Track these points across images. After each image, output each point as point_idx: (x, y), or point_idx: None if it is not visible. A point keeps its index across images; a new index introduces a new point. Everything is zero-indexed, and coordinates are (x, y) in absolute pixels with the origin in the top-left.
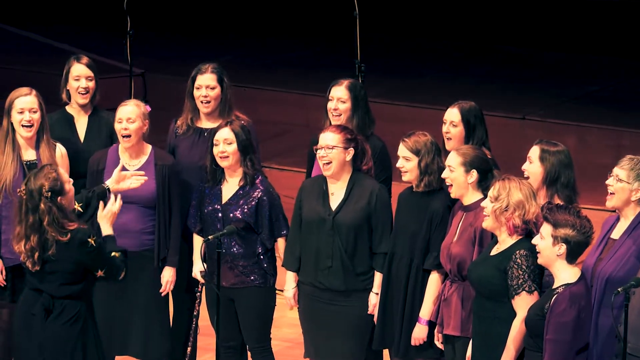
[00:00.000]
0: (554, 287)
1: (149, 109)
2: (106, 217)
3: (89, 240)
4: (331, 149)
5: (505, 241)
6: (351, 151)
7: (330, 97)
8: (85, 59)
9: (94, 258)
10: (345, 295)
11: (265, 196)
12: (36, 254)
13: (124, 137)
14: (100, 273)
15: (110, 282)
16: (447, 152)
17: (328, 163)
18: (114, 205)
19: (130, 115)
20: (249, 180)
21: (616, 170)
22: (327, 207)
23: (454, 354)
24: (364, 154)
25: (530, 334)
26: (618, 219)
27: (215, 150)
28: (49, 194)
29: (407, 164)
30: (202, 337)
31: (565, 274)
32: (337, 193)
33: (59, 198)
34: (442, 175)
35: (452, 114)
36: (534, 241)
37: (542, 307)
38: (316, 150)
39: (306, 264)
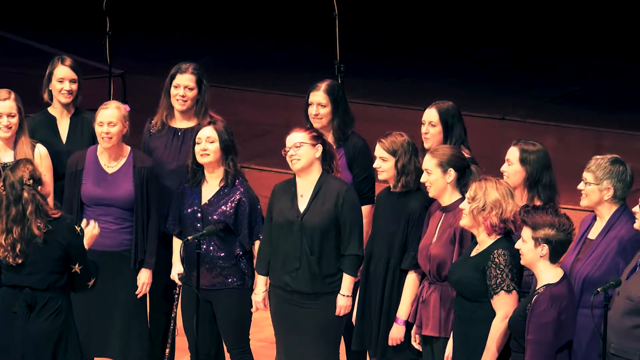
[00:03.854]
0: (537, 287)
1: (128, 109)
2: (86, 237)
3: (76, 227)
4: (299, 146)
5: (484, 241)
6: (319, 147)
7: (309, 102)
8: (69, 61)
9: (78, 247)
10: (314, 297)
11: (245, 198)
12: (18, 247)
13: (104, 139)
14: (76, 268)
15: (78, 289)
16: (426, 152)
17: (297, 160)
18: (94, 228)
19: (111, 119)
20: (230, 180)
21: (584, 175)
22: (296, 209)
23: (432, 355)
24: (332, 157)
25: (514, 336)
26: (595, 219)
27: (197, 148)
28: (31, 181)
29: (384, 164)
30: (181, 337)
31: (547, 275)
32: (305, 194)
33: (39, 188)
34: (421, 180)
35: (430, 115)
36: (517, 245)
37: (525, 308)
38: (285, 152)
39: (275, 267)
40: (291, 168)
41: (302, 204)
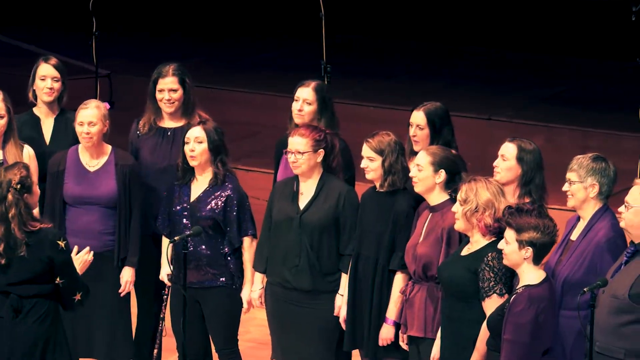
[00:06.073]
0: (516, 287)
1: (108, 106)
2: (78, 263)
3: (59, 242)
4: (301, 154)
5: (479, 242)
6: (321, 152)
7: (295, 98)
8: (53, 60)
9: (62, 262)
10: (313, 296)
11: (233, 195)
12: (1, 246)
13: (85, 139)
14: (58, 280)
15: (66, 305)
16: (415, 154)
17: (298, 167)
18: (87, 255)
19: (91, 119)
20: (219, 180)
21: (568, 175)
22: (296, 206)
23: (418, 355)
24: (332, 148)
25: (492, 334)
26: (579, 219)
27: (186, 148)
28: (18, 186)
29: (371, 164)
30: (169, 338)
31: (529, 276)
32: (306, 192)
33: (25, 195)
34: (410, 174)
35: (418, 117)
36: (499, 246)
37: (503, 308)
38: (286, 153)
39: (275, 263)
40: (288, 170)
41: (303, 202)
